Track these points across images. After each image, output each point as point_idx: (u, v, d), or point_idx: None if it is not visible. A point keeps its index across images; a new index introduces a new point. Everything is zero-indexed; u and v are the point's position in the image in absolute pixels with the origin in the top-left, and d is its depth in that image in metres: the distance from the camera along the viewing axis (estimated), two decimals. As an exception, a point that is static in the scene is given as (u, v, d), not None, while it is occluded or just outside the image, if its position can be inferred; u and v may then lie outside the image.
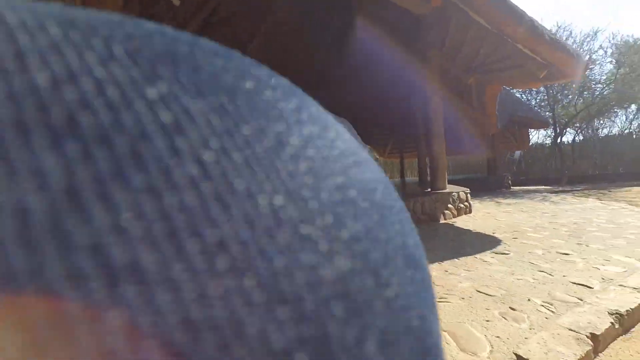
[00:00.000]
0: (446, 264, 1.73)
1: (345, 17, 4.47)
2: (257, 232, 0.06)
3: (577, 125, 12.49)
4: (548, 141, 12.10)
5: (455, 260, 1.78)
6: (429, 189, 3.51)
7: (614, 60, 12.03)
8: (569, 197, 4.94)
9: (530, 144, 10.39)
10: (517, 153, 11.05)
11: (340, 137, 0.08)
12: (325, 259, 0.06)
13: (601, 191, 6.00)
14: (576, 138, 12.39)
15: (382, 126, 8.16)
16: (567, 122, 11.44)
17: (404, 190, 4.77)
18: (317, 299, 0.06)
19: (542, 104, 11.74)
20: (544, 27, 3.49)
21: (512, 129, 8.25)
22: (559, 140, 11.17)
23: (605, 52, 11.68)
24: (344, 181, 0.07)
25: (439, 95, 3.78)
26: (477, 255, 1.85)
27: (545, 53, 3.60)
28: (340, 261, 0.06)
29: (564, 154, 10.49)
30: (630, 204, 4.03)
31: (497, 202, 4.64)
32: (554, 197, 5.01)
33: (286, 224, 0.06)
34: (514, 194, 5.99)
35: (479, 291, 1.36)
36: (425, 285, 0.08)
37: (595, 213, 3.27)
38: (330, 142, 0.08)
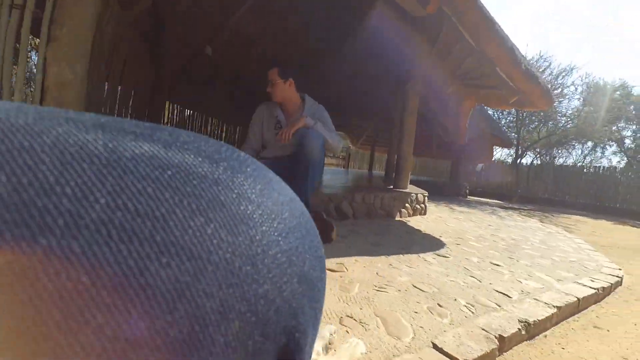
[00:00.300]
0: (392, 258, 1.85)
1: (347, 9, 4.42)
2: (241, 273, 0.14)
3: (537, 150, 13.39)
4: (509, 160, 12.85)
5: (401, 256, 1.91)
6: (392, 186, 3.66)
7: (581, 98, 12.86)
8: (515, 215, 5.35)
9: (493, 159, 11.03)
10: (480, 166, 11.68)
11: (279, 220, 0.16)
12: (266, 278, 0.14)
13: (545, 214, 6.54)
14: (534, 162, 13.27)
15: (361, 117, 8.27)
16: (528, 146, 12.24)
17: (369, 183, 4.91)
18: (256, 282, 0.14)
19: (510, 124, 12.43)
20: (523, 55, 3.64)
21: (478, 142, 8.68)
22: (518, 161, 11.95)
23: (576, 88, 12.49)
24: (277, 250, 0.15)
25: (419, 97, 3.88)
26: (421, 255, 1.99)
27: (518, 81, 3.77)
28: (265, 285, 0.14)
29: (520, 174, 11.22)
30: (565, 230, 4.45)
31: (451, 209, 4.93)
32: (502, 212, 5.40)
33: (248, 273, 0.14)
34: (468, 203, 6.37)
35: (414, 286, 1.48)
36: (306, 284, 0.17)
37: (533, 233, 3.59)
38: (277, 236, 0.16)
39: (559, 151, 14.44)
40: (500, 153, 14.79)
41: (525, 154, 12.83)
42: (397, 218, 3.12)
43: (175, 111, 5.47)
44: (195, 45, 4.44)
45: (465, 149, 8.30)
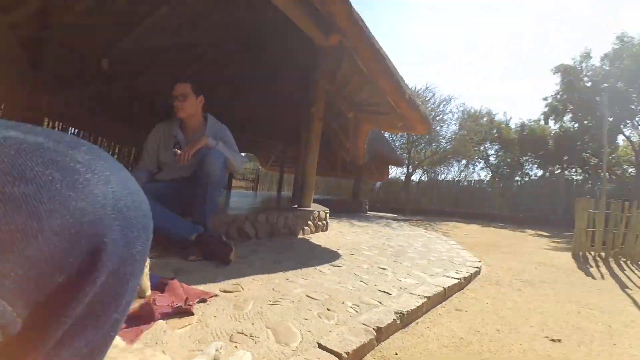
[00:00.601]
0: (290, 273, 1.94)
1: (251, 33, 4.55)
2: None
3: (425, 168, 15.46)
4: (402, 177, 14.47)
5: (299, 270, 2.01)
6: (296, 205, 3.81)
7: (457, 123, 15.32)
8: (405, 225, 6.04)
9: (389, 177, 12.32)
10: (378, 183, 12.91)
11: (100, 175, 0.27)
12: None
13: (429, 223, 7.53)
14: (422, 178, 15.24)
15: (270, 138, 8.41)
16: (417, 164, 14.03)
17: (276, 204, 4.99)
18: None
19: (403, 146, 14.07)
20: (407, 86, 4.23)
21: (376, 162, 9.64)
22: (410, 178, 13.58)
23: (453, 115, 14.85)
24: (93, 188, 0.26)
25: (321, 120, 4.16)
26: (318, 267, 2.13)
27: (403, 109, 4.36)
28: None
29: (411, 189, 12.75)
30: (444, 234, 5.22)
31: (351, 224, 5.33)
32: (394, 224, 6.05)
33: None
34: (367, 218, 6.95)
35: (308, 296, 1.59)
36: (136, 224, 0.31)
37: (417, 239, 4.12)
38: (96, 182, 0.27)
39: (441, 168, 16.91)
40: (395, 171, 16.60)
41: (415, 172, 14.71)
42: (300, 236, 3.25)
43: (56, 129, 4.77)
44: (86, 58, 3.99)
45: (365, 168, 9.10)
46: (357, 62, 3.78)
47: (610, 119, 10.95)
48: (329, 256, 2.51)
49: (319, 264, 2.22)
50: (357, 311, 1.46)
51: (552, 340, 1.50)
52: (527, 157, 15.27)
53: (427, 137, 13.93)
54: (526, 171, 15.77)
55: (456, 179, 15.73)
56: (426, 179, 15.94)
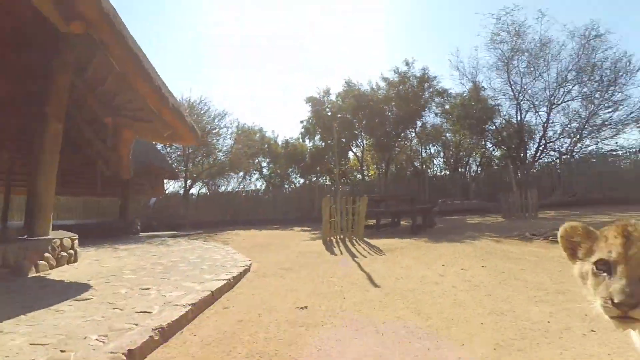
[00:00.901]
0: (6, 323, 1.46)
1: None
2: None
3: (205, 180, 15.44)
4: (181, 191, 13.85)
5: (22, 316, 1.55)
6: (26, 235, 2.89)
7: (233, 137, 16.10)
8: (182, 240, 5.81)
9: (167, 192, 11.47)
10: (153, 200, 11.75)
11: None
12: None
13: (210, 234, 7.56)
14: (202, 190, 15.13)
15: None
16: (196, 177, 13.81)
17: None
18: None
19: (179, 158, 13.47)
20: (171, 93, 4.05)
21: (147, 176, 8.71)
22: (189, 192, 13.17)
23: (228, 129, 15.49)
24: None
25: (61, 121, 3.33)
26: (55, 306, 1.71)
27: (167, 117, 4.17)
28: None
29: (191, 203, 12.39)
30: (223, 243, 5.38)
31: (115, 248, 4.61)
32: (170, 241, 5.71)
33: None
34: (138, 239, 6.21)
35: (33, 344, 1.26)
36: None
37: (194, 252, 4.06)
38: None
39: (221, 180, 17.35)
40: (173, 185, 15.65)
41: (194, 185, 14.41)
42: (33, 274, 2.49)
43: None
44: None
45: (133, 184, 8.05)
46: (111, 61, 3.34)
47: (344, 140, 14.82)
48: (73, 291, 2.06)
49: (57, 302, 1.78)
50: (103, 342, 1.29)
51: (301, 308, 1.86)
52: (292, 169, 18.06)
53: (204, 149, 13.99)
54: (292, 180, 18.66)
55: (236, 189, 16.59)
56: (206, 191, 15.95)
